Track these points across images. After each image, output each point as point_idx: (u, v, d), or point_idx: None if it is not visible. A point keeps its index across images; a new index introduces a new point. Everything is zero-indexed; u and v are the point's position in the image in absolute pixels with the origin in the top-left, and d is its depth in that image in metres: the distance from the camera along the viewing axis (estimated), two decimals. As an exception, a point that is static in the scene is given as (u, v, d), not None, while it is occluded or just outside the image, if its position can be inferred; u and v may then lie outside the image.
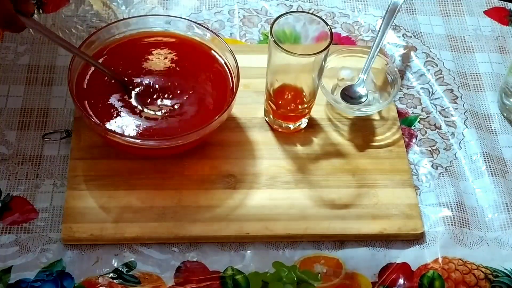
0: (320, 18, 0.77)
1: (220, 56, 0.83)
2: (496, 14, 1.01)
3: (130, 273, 0.73)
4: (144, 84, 0.80)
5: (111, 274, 0.72)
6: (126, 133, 0.75)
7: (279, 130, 0.84)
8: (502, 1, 1.03)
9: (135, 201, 0.76)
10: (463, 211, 0.80)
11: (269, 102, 0.82)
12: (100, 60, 0.81)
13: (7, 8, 0.69)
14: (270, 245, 0.76)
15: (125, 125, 0.77)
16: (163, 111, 0.79)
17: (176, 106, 0.79)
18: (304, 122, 0.84)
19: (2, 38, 0.91)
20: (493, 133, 0.88)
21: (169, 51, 0.84)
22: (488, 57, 0.96)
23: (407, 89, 0.91)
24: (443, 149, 0.85)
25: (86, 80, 0.79)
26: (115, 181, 0.78)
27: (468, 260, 0.76)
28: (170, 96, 0.80)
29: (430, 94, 0.91)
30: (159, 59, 0.83)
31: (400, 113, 0.88)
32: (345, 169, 0.81)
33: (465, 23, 1.00)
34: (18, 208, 0.76)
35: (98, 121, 0.75)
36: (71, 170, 0.78)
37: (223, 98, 0.80)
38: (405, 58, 0.94)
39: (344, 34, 0.96)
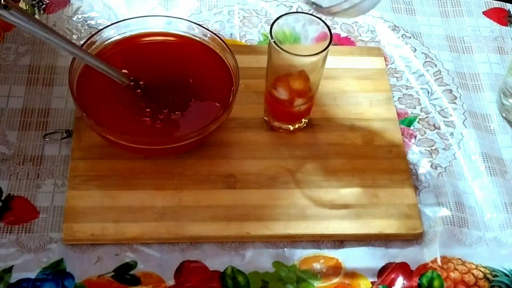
0: (320, 18, 0.77)
1: (220, 57, 0.83)
2: (495, 14, 1.02)
3: (131, 272, 0.73)
4: (145, 84, 0.81)
5: (112, 274, 0.73)
6: (126, 133, 0.76)
7: (279, 130, 0.84)
8: (501, 2, 1.04)
9: (136, 201, 0.77)
10: (462, 211, 0.80)
11: (269, 102, 0.82)
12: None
13: None
14: (270, 244, 0.76)
15: (125, 125, 0.77)
16: (163, 111, 0.79)
17: (176, 107, 0.79)
18: (303, 123, 0.84)
19: (3, 38, 0.91)
20: (492, 133, 0.88)
21: (169, 52, 0.84)
22: (487, 57, 0.96)
23: (406, 89, 0.91)
24: (442, 149, 0.86)
25: (87, 81, 0.80)
26: (115, 181, 0.78)
27: (467, 260, 0.76)
28: (170, 97, 0.80)
29: (429, 95, 0.91)
30: (159, 60, 0.84)
31: (399, 113, 0.88)
32: (344, 169, 0.81)
33: (464, 24, 1.00)
34: (19, 208, 0.76)
35: (99, 122, 0.75)
36: (71, 170, 0.78)
37: (223, 98, 0.80)
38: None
39: (343, 34, 0.97)
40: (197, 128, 0.76)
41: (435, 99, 0.90)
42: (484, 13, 1.02)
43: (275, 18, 0.77)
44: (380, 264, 0.76)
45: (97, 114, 0.76)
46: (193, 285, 0.72)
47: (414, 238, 0.77)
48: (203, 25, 0.86)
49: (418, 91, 0.91)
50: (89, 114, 0.75)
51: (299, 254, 0.76)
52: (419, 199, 0.80)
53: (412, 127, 0.87)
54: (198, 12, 0.97)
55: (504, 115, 0.90)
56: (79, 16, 0.95)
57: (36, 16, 0.94)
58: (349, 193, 0.79)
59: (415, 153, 0.85)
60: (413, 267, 0.75)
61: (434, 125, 0.88)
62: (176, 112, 0.79)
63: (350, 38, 0.96)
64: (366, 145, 0.84)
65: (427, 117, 0.89)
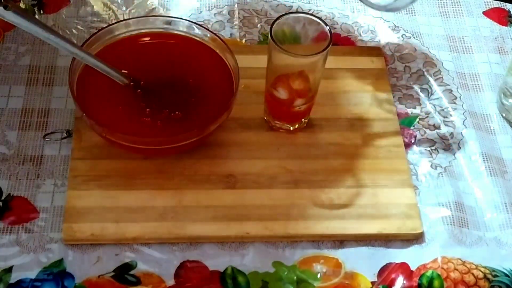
0: (320, 18, 0.77)
1: (220, 57, 0.83)
2: (495, 14, 1.02)
3: (131, 272, 0.73)
4: (145, 84, 0.81)
5: (112, 274, 0.73)
6: (126, 133, 0.76)
7: (279, 130, 0.84)
8: (501, 2, 1.04)
9: (136, 201, 0.77)
10: (462, 211, 0.80)
11: (269, 102, 0.82)
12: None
13: None
14: (270, 245, 0.76)
15: (126, 125, 0.77)
16: (163, 111, 0.79)
17: (176, 106, 0.79)
18: (304, 122, 0.84)
19: (3, 38, 0.91)
20: (492, 133, 0.88)
21: (169, 51, 0.84)
22: (487, 57, 0.96)
23: (406, 89, 0.91)
24: (442, 149, 0.86)
25: (87, 81, 0.80)
26: (115, 181, 0.78)
27: (467, 260, 0.76)
28: (170, 97, 0.80)
29: (429, 95, 0.91)
30: (159, 60, 0.84)
31: (399, 113, 0.88)
32: (344, 169, 0.81)
33: (464, 24, 1.00)
34: (19, 208, 0.76)
35: (99, 121, 0.75)
36: (71, 170, 0.78)
37: (223, 98, 0.80)
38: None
39: (343, 34, 0.97)
40: (197, 128, 0.76)
41: (435, 99, 0.90)
42: (484, 13, 1.02)
43: (275, 18, 0.77)
44: (380, 264, 0.76)
45: (97, 114, 0.76)
46: (193, 285, 0.72)
47: (414, 238, 0.77)
48: (203, 25, 0.86)
49: (418, 91, 0.91)
50: (89, 114, 0.75)
51: (299, 254, 0.76)
52: (419, 199, 0.80)
53: (412, 127, 0.87)
54: (198, 12, 0.97)
55: (504, 115, 0.90)
56: (79, 16, 0.94)
57: (36, 16, 0.94)
58: (349, 193, 0.79)
59: (415, 153, 0.85)
60: (413, 267, 0.75)
61: (434, 125, 0.88)
62: (176, 112, 0.79)
63: (350, 38, 0.96)
64: (366, 145, 0.84)
65: (427, 117, 0.89)
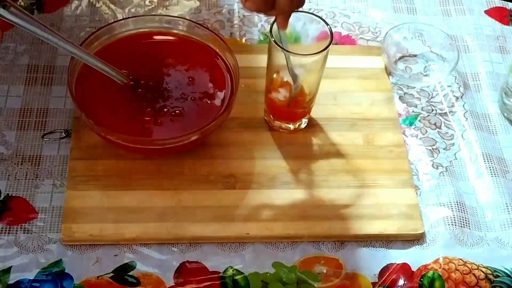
0: (320, 18, 0.77)
1: (220, 56, 0.83)
2: (497, 13, 1.01)
3: (130, 273, 0.73)
4: (144, 84, 0.80)
5: (111, 275, 0.72)
6: (125, 133, 0.75)
7: (279, 130, 0.84)
8: (503, 1, 1.03)
9: (135, 201, 0.76)
10: (464, 211, 0.79)
11: (269, 101, 0.82)
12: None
13: None
14: (270, 245, 0.76)
15: (125, 125, 0.77)
16: (163, 111, 0.79)
17: (176, 106, 0.79)
18: (304, 122, 0.84)
19: (2, 38, 0.90)
20: (493, 133, 0.88)
21: (169, 51, 0.84)
22: (488, 56, 0.96)
23: (408, 88, 0.91)
24: (443, 148, 0.85)
25: (86, 80, 0.79)
26: (114, 181, 0.78)
27: (468, 260, 0.76)
28: (170, 96, 0.80)
29: (430, 94, 0.90)
30: (159, 60, 0.83)
31: (400, 113, 0.88)
32: (345, 169, 0.81)
33: (466, 23, 1.00)
34: (18, 208, 0.76)
35: (98, 121, 0.75)
36: (70, 170, 0.78)
37: (223, 98, 0.80)
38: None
39: (344, 33, 0.96)
40: (197, 128, 0.75)
41: (436, 98, 0.90)
42: (486, 12, 1.01)
43: (275, 17, 0.76)
44: (381, 264, 0.75)
45: (96, 114, 0.76)
46: (192, 286, 0.72)
47: (415, 239, 0.77)
48: (203, 24, 0.85)
49: (419, 90, 0.91)
50: (88, 114, 0.75)
51: (299, 255, 0.75)
52: (420, 199, 0.80)
53: (413, 127, 0.87)
54: (198, 11, 0.97)
55: (505, 114, 0.89)
56: (78, 16, 0.94)
57: (35, 16, 0.93)
58: (349, 193, 0.79)
59: (416, 152, 0.84)
60: (414, 267, 0.75)
61: (435, 124, 0.87)
62: (176, 112, 0.79)
63: (351, 37, 0.96)
64: (367, 145, 0.84)
65: (428, 115, 0.88)
